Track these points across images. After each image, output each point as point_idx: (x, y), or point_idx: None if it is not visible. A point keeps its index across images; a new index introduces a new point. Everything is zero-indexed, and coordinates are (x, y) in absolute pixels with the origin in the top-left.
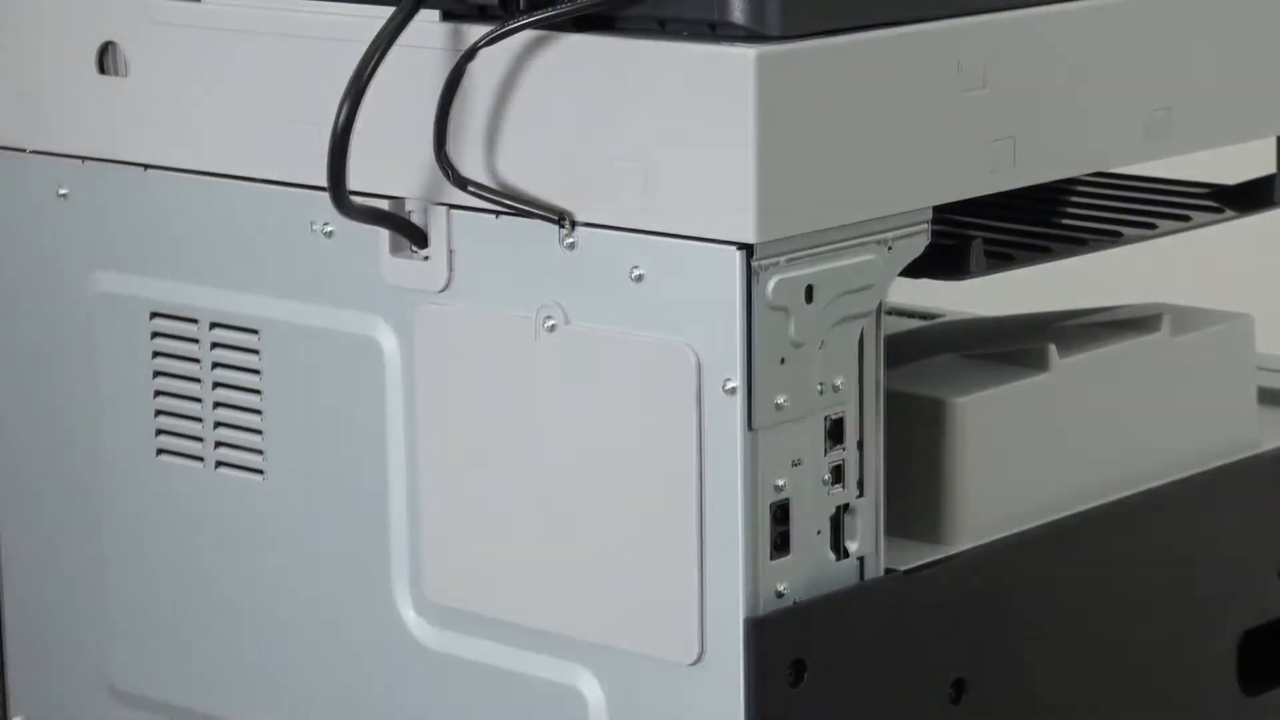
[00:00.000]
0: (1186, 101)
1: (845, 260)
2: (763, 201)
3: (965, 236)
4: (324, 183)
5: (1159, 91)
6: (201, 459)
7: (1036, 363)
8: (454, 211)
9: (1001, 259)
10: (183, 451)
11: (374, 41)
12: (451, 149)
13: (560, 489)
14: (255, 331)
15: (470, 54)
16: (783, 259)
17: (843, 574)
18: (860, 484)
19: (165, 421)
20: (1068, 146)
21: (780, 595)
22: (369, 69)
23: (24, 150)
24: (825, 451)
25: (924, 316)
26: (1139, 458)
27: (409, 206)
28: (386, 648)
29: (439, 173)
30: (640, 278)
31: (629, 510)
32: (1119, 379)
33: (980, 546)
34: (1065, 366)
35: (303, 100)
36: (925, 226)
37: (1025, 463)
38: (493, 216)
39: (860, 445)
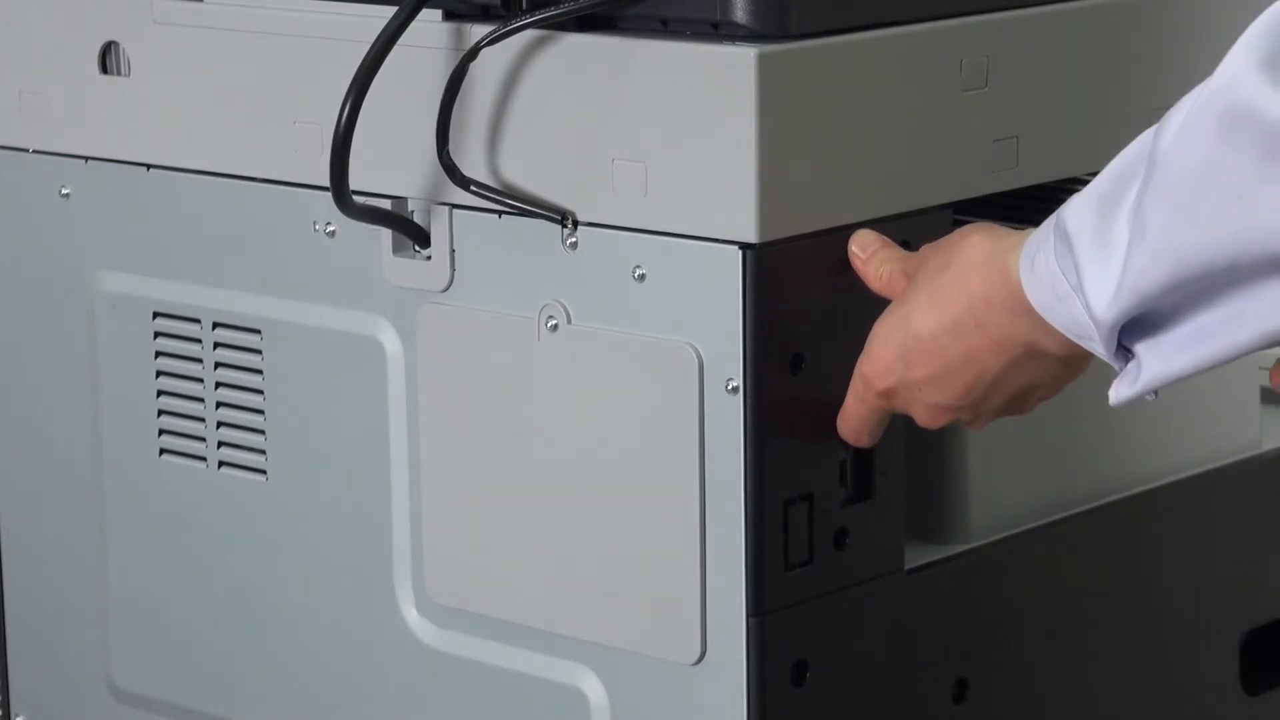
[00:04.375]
0: None
1: None
2: (764, 201)
3: None
4: (326, 182)
5: (1160, 91)
6: (204, 459)
7: None
8: (456, 211)
9: None
10: (185, 451)
11: (376, 41)
12: (454, 148)
13: (562, 488)
14: (257, 331)
15: (472, 53)
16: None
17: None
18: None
19: (167, 421)
20: (1069, 146)
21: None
22: (371, 68)
23: (26, 150)
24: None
25: None
26: (1140, 458)
27: (411, 206)
28: (389, 648)
29: (441, 172)
30: (642, 277)
31: (631, 510)
32: None
33: (982, 546)
34: None
35: (305, 100)
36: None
37: (1027, 462)
38: (495, 216)
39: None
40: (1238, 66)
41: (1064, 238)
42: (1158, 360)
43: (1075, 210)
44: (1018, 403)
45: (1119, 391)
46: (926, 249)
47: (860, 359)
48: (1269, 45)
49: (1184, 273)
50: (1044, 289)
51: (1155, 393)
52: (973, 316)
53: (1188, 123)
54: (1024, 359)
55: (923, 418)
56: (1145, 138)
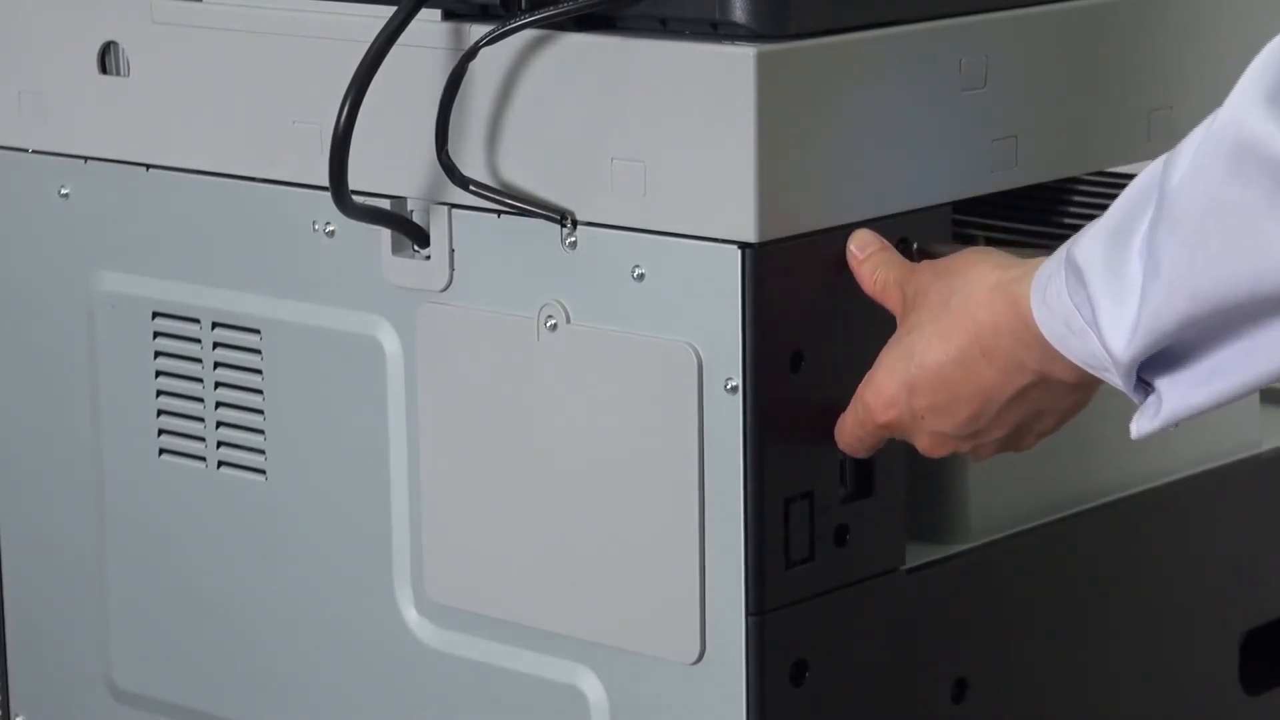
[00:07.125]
0: (1186, 101)
1: None
2: (763, 200)
3: (966, 236)
4: (325, 182)
5: (1159, 91)
6: (203, 459)
7: None
8: (455, 211)
9: None
10: (184, 451)
11: (375, 41)
12: (453, 148)
13: (562, 488)
14: (257, 331)
15: (471, 53)
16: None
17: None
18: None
19: (167, 421)
20: (1068, 146)
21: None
22: (370, 68)
23: (26, 150)
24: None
25: None
26: (1140, 458)
27: (410, 206)
28: (388, 647)
29: (440, 172)
30: (641, 277)
31: (631, 509)
32: None
33: (982, 545)
34: None
35: (304, 100)
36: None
37: (1027, 462)
38: (494, 216)
39: None
40: (1243, 101)
41: (1075, 271)
42: (1178, 395)
43: (1086, 243)
44: (1020, 434)
45: (1140, 426)
46: (925, 271)
47: (863, 385)
48: (1272, 79)
49: (1199, 309)
50: (1057, 321)
51: (1176, 424)
52: (979, 345)
53: (1196, 158)
54: (1032, 387)
55: (924, 446)
56: (1153, 170)
